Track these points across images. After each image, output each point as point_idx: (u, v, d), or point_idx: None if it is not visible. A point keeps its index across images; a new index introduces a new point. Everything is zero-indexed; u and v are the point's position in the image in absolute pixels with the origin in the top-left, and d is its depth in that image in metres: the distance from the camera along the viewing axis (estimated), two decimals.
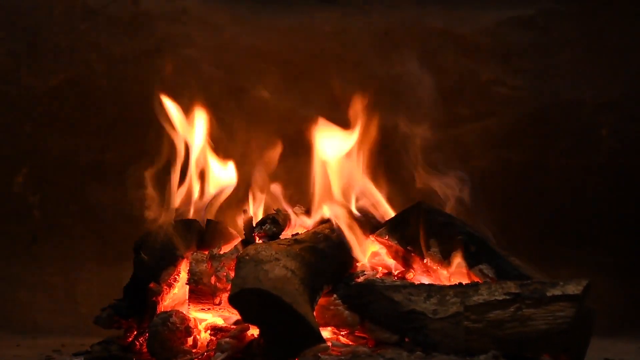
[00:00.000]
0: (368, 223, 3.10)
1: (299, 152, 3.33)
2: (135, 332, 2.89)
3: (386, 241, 3.00)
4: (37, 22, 4.57)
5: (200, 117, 3.33)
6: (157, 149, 3.28)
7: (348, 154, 3.22)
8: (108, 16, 4.60)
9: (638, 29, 4.64)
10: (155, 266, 2.90)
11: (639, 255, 4.47)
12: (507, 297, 2.53)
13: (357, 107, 3.32)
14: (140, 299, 2.86)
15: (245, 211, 2.97)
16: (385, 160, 3.33)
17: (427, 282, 2.81)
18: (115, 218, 4.40)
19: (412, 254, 2.95)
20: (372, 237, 3.04)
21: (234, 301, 2.30)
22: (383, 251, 3.05)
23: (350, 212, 3.05)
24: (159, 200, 3.11)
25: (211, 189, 3.23)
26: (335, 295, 2.70)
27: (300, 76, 4.42)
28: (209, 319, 2.80)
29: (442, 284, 2.78)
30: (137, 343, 2.85)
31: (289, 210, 3.09)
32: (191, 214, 3.15)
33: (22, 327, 4.18)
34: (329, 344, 2.55)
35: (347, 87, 3.49)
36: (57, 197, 4.48)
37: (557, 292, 2.51)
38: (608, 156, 4.55)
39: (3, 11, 4.55)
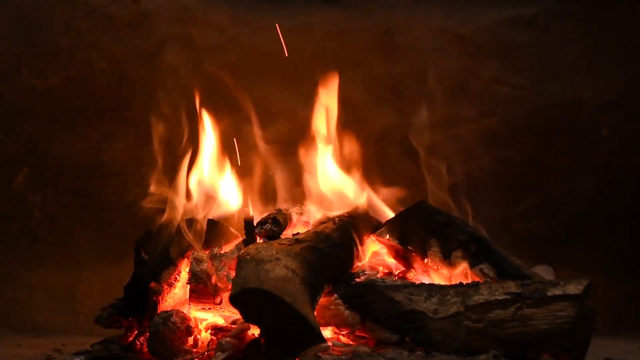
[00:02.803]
0: (368, 222, 3.11)
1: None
2: (135, 332, 2.89)
3: (387, 241, 3.00)
4: (37, 21, 4.57)
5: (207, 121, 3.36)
6: (158, 149, 3.28)
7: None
8: (109, 15, 4.60)
9: (638, 28, 4.64)
10: (155, 265, 2.90)
11: (639, 254, 4.48)
12: (508, 297, 2.53)
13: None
14: (140, 298, 2.86)
15: (246, 211, 2.97)
16: (385, 160, 3.34)
17: (427, 282, 2.82)
18: (115, 217, 4.40)
19: (413, 254, 2.95)
20: (372, 237, 3.04)
21: (234, 301, 2.30)
22: (384, 251, 3.05)
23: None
24: (160, 200, 3.12)
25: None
26: (336, 295, 2.70)
27: (300, 76, 4.42)
28: (209, 318, 2.81)
29: (442, 283, 2.78)
30: (138, 342, 2.85)
31: (290, 210, 3.09)
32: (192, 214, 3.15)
33: (22, 326, 4.19)
34: (330, 343, 2.55)
35: (347, 87, 3.48)
36: (57, 196, 4.49)
37: (557, 291, 2.51)
38: (609, 156, 4.55)
39: (4, 10, 4.55)
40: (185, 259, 2.92)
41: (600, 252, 4.43)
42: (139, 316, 2.89)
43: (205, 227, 3.04)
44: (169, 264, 2.92)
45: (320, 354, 2.45)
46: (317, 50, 4.55)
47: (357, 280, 2.78)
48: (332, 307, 2.69)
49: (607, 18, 4.63)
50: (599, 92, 4.59)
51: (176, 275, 2.92)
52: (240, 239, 2.94)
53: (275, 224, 2.88)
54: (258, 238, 2.86)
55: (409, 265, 2.97)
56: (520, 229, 4.43)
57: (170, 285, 2.91)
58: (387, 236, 2.99)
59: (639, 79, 4.61)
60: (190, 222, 3.03)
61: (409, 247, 2.95)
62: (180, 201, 3.10)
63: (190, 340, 2.72)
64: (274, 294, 2.25)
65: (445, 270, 2.88)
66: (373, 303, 2.67)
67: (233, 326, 2.67)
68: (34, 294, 4.37)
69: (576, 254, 4.39)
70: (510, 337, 2.51)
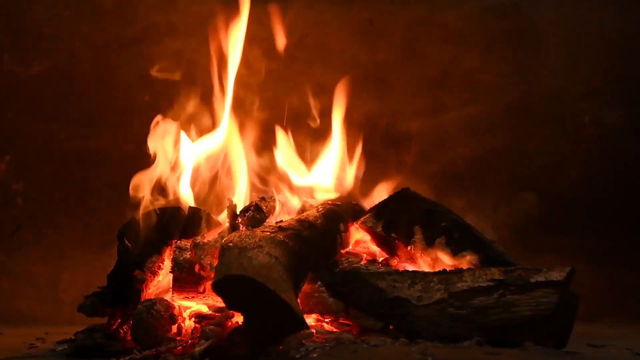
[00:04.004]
0: (352, 210, 3.11)
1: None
2: (119, 320, 2.88)
3: (370, 228, 2.99)
4: (20, 9, 4.54)
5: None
6: (141, 137, 3.27)
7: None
8: (92, 3, 4.58)
9: (621, 16, 4.66)
10: (139, 254, 2.89)
11: (622, 241, 4.50)
12: (491, 284, 2.54)
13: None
14: (124, 286, 2.85)
15: (229, 199, 2.96)
16: (369, 147, 3.34)
17: (411, 269, 2.82)
18: (99, 205, 4.39)
19: (397, 241, 2.95)
20: (356, 225, 3.04)
21: (217, 288, 2.30)
22: (367, 238, 3.05)
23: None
24: (143, 188, 3.11)
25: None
26: (319, 282, 2.70)
27: (284, 64, 4.42)
28: (193, 306, 2.80)
29: (426, 270, 2.78)
30: (122, 331, 2.84)
31: (274, 198, 3.09)
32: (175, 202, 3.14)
33: (5, 315, 4.18)
34: (313, 330, 2.55)
35: (331, 74, 3.48)
36: (40, 184, 4.47)
37: (540, 278, 2.52)
38: (591, 143, 4.57)
39: None
40: (169, 248, 2.91)
41: (582, 238, 4.45)
42: (122, 305, 2.88)
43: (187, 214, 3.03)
44: (153, 252, 2.91)
45: (303, 340, 2.45)
46: (301, 39, 4.55)
47: (341, 267, 2.77)
48: (316, 294, 2.69)
49: (589, 6, 4.65)
50: (581, 80, 4.61)
51: (160, 264, 2.91)
52: (224, 227, 2.94)
53: (258, 211, 2.88)
54: (241, 226, 2.86)
55: (392, 253, 2.97)
56: (503, 216, 4.44)
57: (154, 274, 2.90)
58: (371, 223, 2.99)
59: (621, 66, 4.63)
60: (173, 210, 3.02)
61: (393, 235, 2.95)
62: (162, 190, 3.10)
63: (174, 328, 2.72)
64: (257, 281, 2.25)
65: (428, 257, 2.89)
66: (357, 290, 2.67)
67: (217, 314, 2.66)
68: (17, 282, 4.36)
69: (559, 241, 4.41)
70: (494, 323, 2.52)
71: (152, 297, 2.79)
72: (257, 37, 4.41)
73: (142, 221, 2.93)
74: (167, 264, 2.90)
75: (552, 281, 2.51)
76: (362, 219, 3.04)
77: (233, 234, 2.59)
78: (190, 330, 2.71)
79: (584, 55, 4.62)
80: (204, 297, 2.74)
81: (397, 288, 2.64)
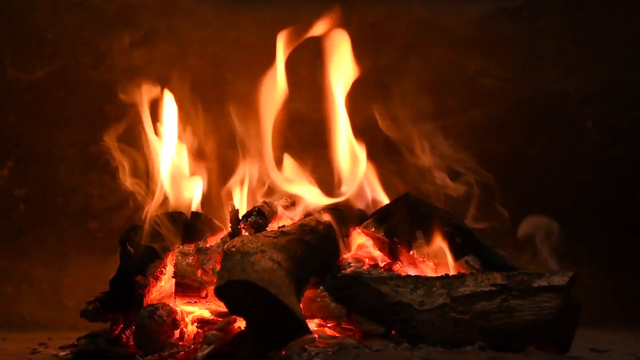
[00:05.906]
0: (354, 215, 3.11)
1: (285, 144, 3.33)
2: (121, 325, 2.88)
3: (373, 233, 2.99)
4: (21, 14, 4.55)
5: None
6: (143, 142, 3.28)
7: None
8: (93, 8, 4.58)
9: (622, 20, 4.66)
10: (141, 259, 2.89)
11: (624, 245, 4.50)
12: (494, 288, 2.54)
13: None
14: (126, 292, 2.85)
15: (231, 204, 2.96)
16: (371, 152, 3.34)
17: (413, 274, 2.82)
18: (101, 211, 4.39)
19: (399, 246, 2.95)
20: (359, 229, 3.04)
21: (220, 293, 2.30)
22: (370, 243, 3.05)
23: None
24: (145, 193, 3.11)
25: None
26: (322, 287, 2.70)
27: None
28: (195, 311, 2.80)
29: (428, 275, 2.78)
30: (124, 336, 2.84)
31: (276, 202, 3.09)
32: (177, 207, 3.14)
33: (8, 320, 4.18)
34: (316, 335, 2.55)
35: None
36: (42, 190, 4.47)
37: (543, 283, 2.52)
38: (593, 147, 4.57)
39: None
40: (171, 253, 2.91)
41: (585, 243, 4.44)
42: (125, 310, 2.87)
43: (190, 219, 3.03)
44: (155, 257, 2.90)
45: (306, 345, 2.45)
46: (302, 43, 4.55)
47: (343, 272, 2.77)
48: (318, 299, 2.69)
49: (591, 10, 4.65)
50: (583, 84, 4.61)
51: (162, 269, 2.90)
52: (226, 231, 2.94)
53: (261, 216, 2.88)
54: (243, 230, 2.86)
55: (395, 257, 2.97)
56: (505, 220, 4.44)
57: (157, 279, 2.89)
58: (373, 228, 2.99)
59: (622, 70, 4.63)
60: (175, 215, 3.02)
61: (395, 239, 2.95)
62: (164, 195, 3.11)
63: (177, 333, 2.72)
64: (259, 286, 2.25)
65: (430, 262, 2.89)
66: (359, 295, 2.67)
67: (219, 319, 2.66)
68: (19, 288, 4.36)
69: (561, 246, 4.40)
70: (496, 328, 2.52)
71: (154, 302, 2.79)
72: (259, 41, 4.42)
73: (144, 226, 2.93)
74: (170, 269, 2.90)
75: (554, 286, 2.51)
76: (364, 223, 3.04)
77: (236, 238, 2.59)
78: (192, 336, 2.71)
79: (585, 59, 4.62)
80: (206, 302, 2.74)
81: (400, 293, 2.64)
